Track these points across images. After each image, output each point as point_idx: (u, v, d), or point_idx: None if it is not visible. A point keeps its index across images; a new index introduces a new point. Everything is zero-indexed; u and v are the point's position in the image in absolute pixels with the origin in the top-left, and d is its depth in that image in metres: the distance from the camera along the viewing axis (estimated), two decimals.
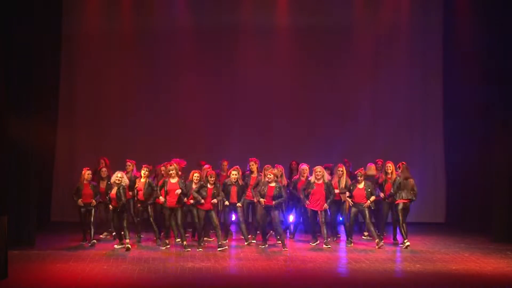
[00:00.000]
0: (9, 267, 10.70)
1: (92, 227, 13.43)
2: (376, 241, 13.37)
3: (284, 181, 13.84)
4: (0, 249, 10.53)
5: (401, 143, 17.20)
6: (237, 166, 13.69)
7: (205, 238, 13.52)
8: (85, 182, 13.47)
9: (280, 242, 13.22)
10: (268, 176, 13.07)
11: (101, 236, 14.00)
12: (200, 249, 12.92)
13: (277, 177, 13.29)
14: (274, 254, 12.64)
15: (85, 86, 17.01)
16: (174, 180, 13.07)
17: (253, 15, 17.14)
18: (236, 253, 12.74)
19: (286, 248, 13.00)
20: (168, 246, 13.17)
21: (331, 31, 17.18)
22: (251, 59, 17.22)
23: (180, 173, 13.44)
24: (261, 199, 12.98)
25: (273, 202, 12.99)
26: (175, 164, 13.26)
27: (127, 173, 13.83)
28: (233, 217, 14.02)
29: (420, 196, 15.84)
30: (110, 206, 12.96)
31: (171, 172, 13.08)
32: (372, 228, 13.45)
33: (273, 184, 13.04)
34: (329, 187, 13.27)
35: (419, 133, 17.39)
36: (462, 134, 16.29)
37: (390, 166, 13.82)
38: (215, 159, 14.87)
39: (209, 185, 12.98)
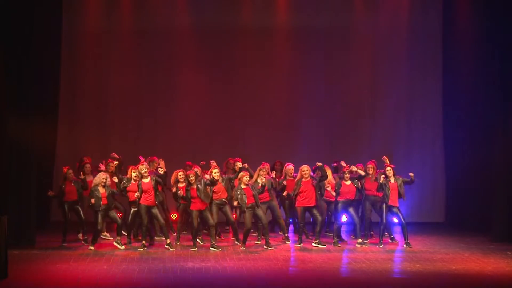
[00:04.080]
0: (9, 267, 10.70)
1: (84, 224, 13.56)
2: (358, 241, 13.50)
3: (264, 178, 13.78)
4: (0, 249, 10.53)
5: (400, 143, 17.20)
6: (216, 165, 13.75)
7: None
8: (67, 181, 13.50)
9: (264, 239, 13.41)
10: (244, 178, 13.15)
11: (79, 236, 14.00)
12: (194, 249, 12.95)
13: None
14: (274, 254, 12.65)
15: (85, 85, 17.00)
16: (147, 180, 13.11)
17: (253, 16, 17.14)
18: (236, 253, 12.74)
19: (271, 247, 13.15)
20: (145, 248, 13.07)
21: (330, 32, 17.17)
22: (250, 59, 17.21)
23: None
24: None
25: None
26: (146, 164, 13.38)
27: (107, 172, 13.93)
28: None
29: (420, 196, 15.91)
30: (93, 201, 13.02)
31: (143, 171, 13.12)
32: (358, 228, 13.58)
33: (247, 185, 13.19)
34: (318, 185, 13.38)
35: (419, 133, 17.38)
36: (461, 134, 16.28)
37: (371, 167, 13.89)
38: (213, 158, 14.83)
39: (191, 187, 13.08)
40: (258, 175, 13.52)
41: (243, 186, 13.16)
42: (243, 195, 13.08)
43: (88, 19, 16.94)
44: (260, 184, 13.31)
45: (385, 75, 17.35)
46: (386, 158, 13.54)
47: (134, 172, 13.25)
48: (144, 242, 13.14)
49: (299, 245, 13.38)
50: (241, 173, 13.35)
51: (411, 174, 13.35)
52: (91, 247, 12.95)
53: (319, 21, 17.14)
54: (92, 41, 16.99)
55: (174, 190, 13.26)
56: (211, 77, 17.17)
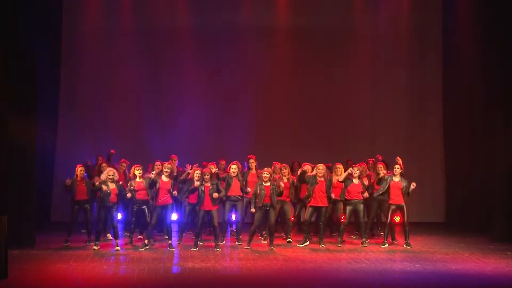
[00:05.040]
0: (9, 267, 10.70)
1: (90, 225, 13.51)
2: (362, 240, 13.51)
3: (289, 176, 13.82)
4: (0, 249, 10.53)
5: (400, 142, 17.20)
6: (236, 161, 13.76)
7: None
8: (79, 179, 13.47)
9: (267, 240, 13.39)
10: (264, 175, 13.11)
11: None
12: (195, 249, 12.92)
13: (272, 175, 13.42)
14: (274, 254, 12.65)
15: (85, 85, 17.03)
16: (166, 179, 13.12)
17: (253, 16, 17.17)
18: (236, 253, 12.74)
19: (273, 247, 13.14)
20: (147, 247, 13.02)
21: (331, 32, 17.20)
22: (250, 59, 17.24)
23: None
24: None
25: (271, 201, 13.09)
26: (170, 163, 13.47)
27: (118, 170, 13.93)
28: (233, 217, 14.02)
29: (420, 196, 15.90)
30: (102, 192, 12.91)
31: (165, 169, 13.12)
32: (363, 228, 13.59)
33: (268, 184, 13.11)
34: (330, 184, 13.37)
35: (419, 133, 17.41)
36: (462, 133, 16.30)
37: (381, 167, 13.86)
38: (214, 158, 14.87)
39: (205, 183, 13.02)
40: (282, 174, 13.54)
41: (264, 184, 13.12)
42: (262, 191, 13.04)
43: (88, 19, 16.96)
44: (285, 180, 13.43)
45: (385, 74, 17.38)
46: (399, 159, 13.55)
47: (137, 171, 13.27)
48: (147, 241, 13.12)
49: (302, 245, 13.36)
50: (264, 170, 13.25)
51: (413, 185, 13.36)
52: (95, 247, 12.91)
53: (319, 21, 17.17)
54: (92, 41, 17.00)
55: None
56: (211, 77, 17.19)
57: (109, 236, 13.86)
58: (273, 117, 17.26)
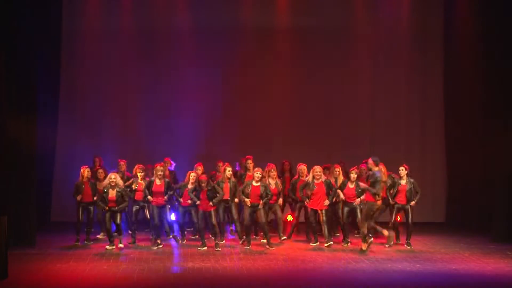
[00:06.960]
0: (9, 267, 10.71)
1: (91, 226, 13.50)
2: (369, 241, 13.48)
3: (276, 180, 13.79)
4: (0, 249, 10.53)
5: (401, 142, 17.21)
6: (228, 163, 13.80)
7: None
8: (84, 180, 13.46)
9: (265, 240, 13.35)
10: (256, 174, 13.12)
11: (98, 236, 14.12)
12: (203, 248, 12.91)
13: (263, 176, 13.40)
14: (274, 254, 12.65)
15: (85, 85, 17.02)
16: (159, 182, 13.17)
17: (253, 15, 17.15)
18: (236, 253, 12.74)
19: (272, 247, 13.13)
20: (161, 246, 13.15)
21: (330, 32, 17.19)
22: (250, 59, 17.22)
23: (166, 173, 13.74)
24: (246, 199, 13.09)
25: (260, 201, 13.10)
26: (163, 165, 13.52)
27: (118, 172, 13.91)
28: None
29: (420, 196, 15.87)
30: (106, 207, 12.94)
31: (159, 172, 13.15)
32: (362, 229, 13.56)
33: (258, 183, 13.10)
34: (329, 185, 13.32)
35: (420, 133, 17.40)
36: (462, 133, 16.30)
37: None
38: (213, 158, 14.88)
39: (202, 191, 13.04)
40: (268, 176, 13.53)
41: (254, 183, 13.11)
42: (250, 191, 13.05)
43: (88, 19, 16.95)
44: (273, 186, 13.44)
45: (385, 74, 17.36)
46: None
47: (139, 172, 13.29)
48: (159, 241, 13.17)
49: (314, 244, 13.37)
50: (256, 169, 13.27)
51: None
52: (108, 247, 12.92)
53: (319, 21, 17.15)
54: (92, 41, 17.00)
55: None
56: (211, 77, 17.17)
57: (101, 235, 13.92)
58: (272, 117, 17.23)
